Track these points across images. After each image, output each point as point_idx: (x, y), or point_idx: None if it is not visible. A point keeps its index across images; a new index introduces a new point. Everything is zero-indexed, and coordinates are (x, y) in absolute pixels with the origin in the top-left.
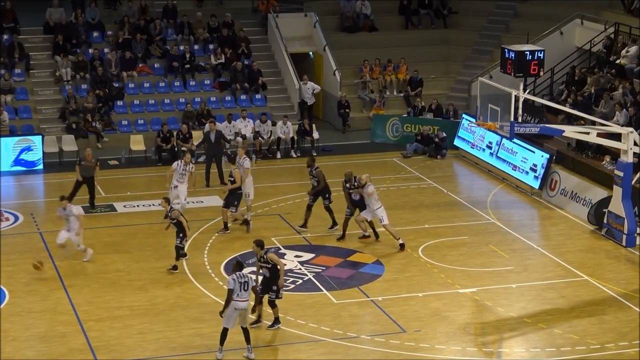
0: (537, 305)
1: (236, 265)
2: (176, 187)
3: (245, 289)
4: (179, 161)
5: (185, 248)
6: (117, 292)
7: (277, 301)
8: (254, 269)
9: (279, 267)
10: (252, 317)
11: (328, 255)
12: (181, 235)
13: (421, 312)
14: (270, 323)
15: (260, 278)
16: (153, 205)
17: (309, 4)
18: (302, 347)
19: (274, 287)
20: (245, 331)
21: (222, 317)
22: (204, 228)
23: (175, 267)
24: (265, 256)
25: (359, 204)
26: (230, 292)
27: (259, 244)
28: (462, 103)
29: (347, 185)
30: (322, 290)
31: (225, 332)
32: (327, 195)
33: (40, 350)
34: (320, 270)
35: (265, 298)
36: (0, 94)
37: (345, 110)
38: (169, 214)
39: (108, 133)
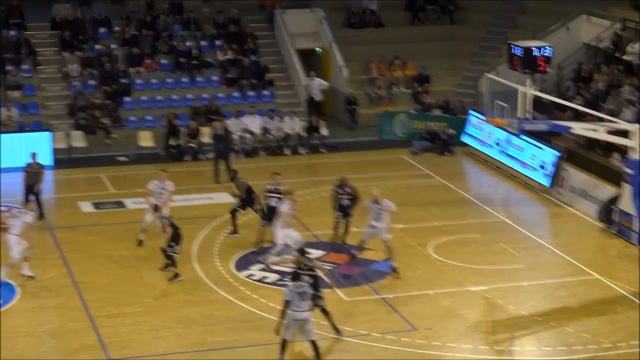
0: (548, 304)
1: (293, 276)
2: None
3: (304, 299)
4: (155, 181)
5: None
6: (128, 288)
7: None
8: (263, 266)
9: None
10: None
11: (338, 253)
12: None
13: (432, 310)
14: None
15: None
16: None
17: (316, 0)
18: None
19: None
20: (314, 345)
21: (277, 334)
22: (214, 225)
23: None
24: (310, 264)
25: (344, 210)
26: (287, 303)
27: (302, 251)
28: (469, 99)
29: (339, 190)
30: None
31: (284, 342)
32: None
33: (51, 346)
34: (331, 268)
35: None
36: (8, 90)
37: (353, 106)
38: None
39: (116, 129)
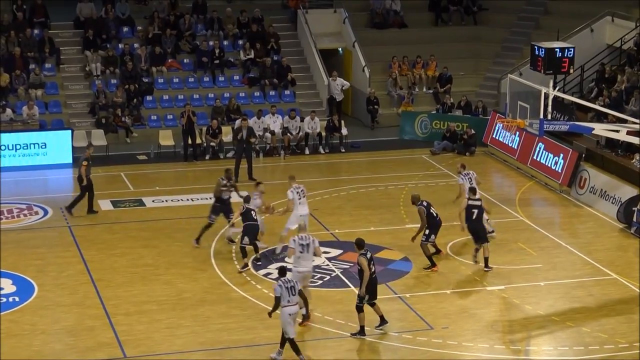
0: (565, 304)
1: (280, 271)
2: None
3: (294, 293)
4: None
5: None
6: (146, 286)
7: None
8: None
9: (364, 273)
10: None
11: (356, 252)
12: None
13: (448, 309)
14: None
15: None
16: (181, 200)
17: (339, 1)
18: (330, 343)
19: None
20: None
21: (270, 317)
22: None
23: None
24: (358, 258)
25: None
26: (278, 299)
27: (359, 243)
28: (491, 100)
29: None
30: (350, 287)
31: (292, 342)
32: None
33: (68, 344)
34: (348, 267)
35: None
36: (30, 89)
37: (374, 106)
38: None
39: (137, 128)
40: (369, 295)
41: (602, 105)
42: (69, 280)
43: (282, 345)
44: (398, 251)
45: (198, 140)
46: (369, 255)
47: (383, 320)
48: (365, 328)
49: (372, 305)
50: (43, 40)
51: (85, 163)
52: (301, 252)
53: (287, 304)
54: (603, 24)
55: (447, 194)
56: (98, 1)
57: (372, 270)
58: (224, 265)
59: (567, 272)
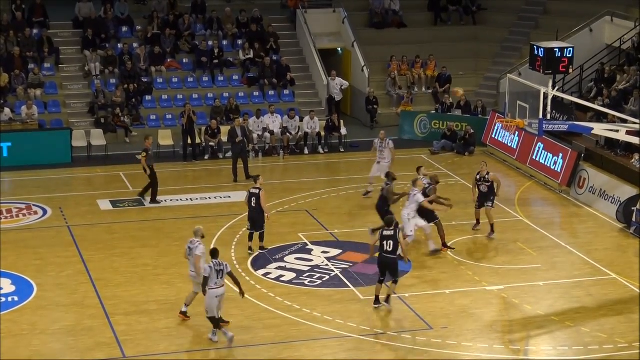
0: (564, 304)
1: (212, 253)
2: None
3: (221, 276)
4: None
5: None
6: (145, 286)
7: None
8: (281, 264)
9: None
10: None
11: (355, 252)
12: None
13: (448, 309)
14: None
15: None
16: (180, 200)
17: (338, 0)
18: (329, 343)
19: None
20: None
21: (204, 294)
22: (231, 223)
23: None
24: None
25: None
26: (206, 279)
27: (388, 221)
28: (490, 100)
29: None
30: (349, 287)
31: (214, 319)
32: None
33: (67, 344)
34: (348, 267)
35: None
36: (29, 88)
37: (373, 106)
38: None
39: (136, 128)
40: (380, 272)
41: (601, 105)
42: (68, 280)
43: (216, 326)
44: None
45: (197, 140)
46: (388, 233)
47: (377, 301)
48: (365, 328)
49: (380, 282)
50: (42, 40)
51: (143, 154)
52: (216, 278)
53: (214, 286)
54: (602, 24)
55: (446, 193)
56: (97, 1)
57: (385, 248)
58: None
59: (566, 272)
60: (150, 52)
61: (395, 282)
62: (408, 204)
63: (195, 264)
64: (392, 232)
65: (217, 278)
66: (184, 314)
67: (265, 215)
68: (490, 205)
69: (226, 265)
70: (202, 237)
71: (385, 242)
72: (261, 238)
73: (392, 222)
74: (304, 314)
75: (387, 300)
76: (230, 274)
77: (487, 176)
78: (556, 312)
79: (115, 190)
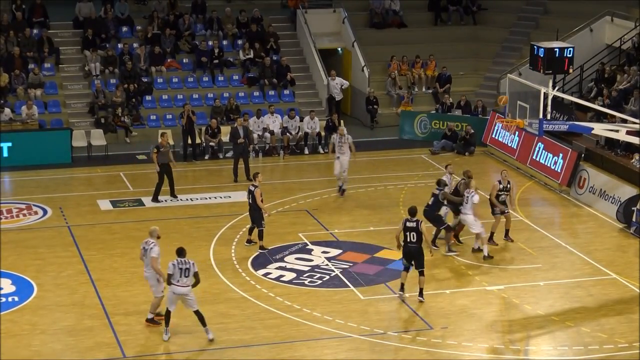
0: (565, 304)
1: (178, 252)
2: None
3: (187, 275)
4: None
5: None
6: (145, 286)
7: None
8: (281, 264)
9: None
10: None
11: (355, 252)
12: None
13: (448, 309)
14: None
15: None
16: (181, 200)
17: (338, 0)
18: (329, 343)
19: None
20: (198, 314)
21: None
22: (232, 223)
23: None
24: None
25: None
26: (170, 276)
27: (411, 211)
28: (490, 100)
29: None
30: (349, 287)
31: (168, 313)
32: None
33: (68, 344)
34: (348, 267)
35: None
36: (29, 88)
37: (374, 106)
38: None
39: (137, 128)
40: (405, 261)
41: (601, 105)
42: (68, 280)
43: (167, 322)
44: (398, 251)
45: (198, 140)
46: (410, 225)
47: (402, 288)
48: (365, 328)
49: (406, 270)
50: (42, 40)
51: (155, 150)
52: (179, 276)
53: (176, 284)
54: (602, 24)
55: None
56: (97, 1)
57: (409, 239)
58: (223, 266)
59: (566, 272)
60: (150, 52)
61: (421, 273)
62: (467, 206)
63: (151, 265)
64: (414, 225)
65: (180, 277)
66: (150, 320)
67: (265, 213)
68: (508, 211)
69: (193, 264)
70: (158, 237)
71: (408, 234)
72: (260, 237)
73: (415, 212)
74: (304, 314)
75: (420, 294)
76: (195, 275)
77: (508, 185)
78: (556, 312)
79: (116, 190)
